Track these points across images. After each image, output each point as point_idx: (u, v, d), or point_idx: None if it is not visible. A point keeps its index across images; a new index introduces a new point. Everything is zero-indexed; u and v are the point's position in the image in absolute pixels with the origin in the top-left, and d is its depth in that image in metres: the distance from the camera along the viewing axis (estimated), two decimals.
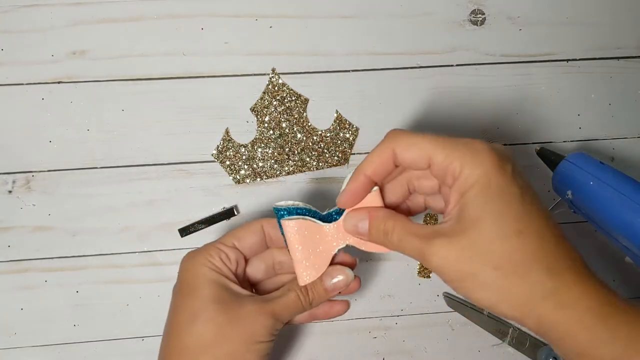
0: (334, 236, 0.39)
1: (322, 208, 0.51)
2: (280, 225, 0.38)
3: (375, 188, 0.37)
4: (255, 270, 0.42)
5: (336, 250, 0.39)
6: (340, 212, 0.39)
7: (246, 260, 0.41)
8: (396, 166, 0.36)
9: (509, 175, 0.32)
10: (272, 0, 0.50)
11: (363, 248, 0.39)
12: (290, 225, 0.38)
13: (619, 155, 0.53)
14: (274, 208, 0.38)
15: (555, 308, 0.31)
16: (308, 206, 0.39)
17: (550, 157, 0.49)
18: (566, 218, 0.53)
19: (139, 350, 0.50)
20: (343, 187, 0.37)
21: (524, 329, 0.52)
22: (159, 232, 0.50)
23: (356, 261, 0.41)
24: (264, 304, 0.38)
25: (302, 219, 0.38)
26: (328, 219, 0.39)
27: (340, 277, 0.39)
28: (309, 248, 0.39)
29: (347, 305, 0.43)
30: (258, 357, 0.37)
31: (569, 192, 0.46)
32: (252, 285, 0.43)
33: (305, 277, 0.39)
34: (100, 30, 0.49)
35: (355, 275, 0.40)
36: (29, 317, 0.49)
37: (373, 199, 0.38)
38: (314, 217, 0.38)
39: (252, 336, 0.37)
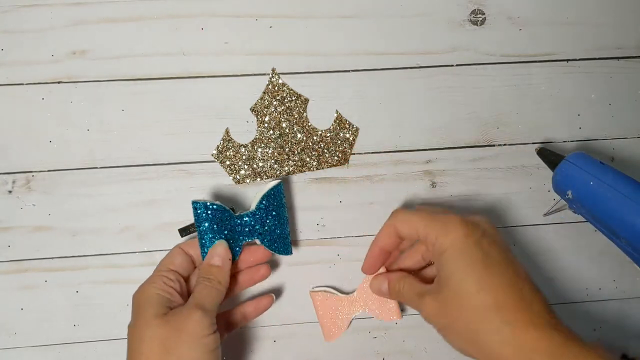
0: (349, 306, 0.50)
1: (323, 207, 0.51)
2: (197, 221, 0.44)
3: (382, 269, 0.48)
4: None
5: (352, 317, 0.50)
6: (251, 215, 0.45)
7: (187, 278, 0.45)
8: (402, 238, 0.45)
9: (473, 242, 0.40)
10: (272, 0, 0.50)
11: (376, 316, 0.49)
12: (315, 297, 0.50)
13: (619, 155, 0.53)
14: (192, 202, 0.44)
15: (514, 354, 0.37)
16: (223, 205, 0.44)
17: (550, 157, 0.49)
18: (566, 218, 0.53)
19: None
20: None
21: None
22: (159, 232, 0.50)
23: (265, 253, 0.47)
24: (187, 304, 0.42)
25: (325, 291, 0.50)
26: (239, 220, 0.45)
27: (219, 253, 0.44)
28: (330, 314, 0.50)
29: (272, 298, 0.48)
30: (206, 353, 0.40)
31: (569, 192, 0.46)
32: None
33: (329, 335, 0.50)
34: (100, 30, 0.49)
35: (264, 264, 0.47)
36: (29, 317, 0.49)
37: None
38: (228, 216, 0.45)
39: (192, 335, 0.40)
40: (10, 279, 0.49)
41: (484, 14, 0.52)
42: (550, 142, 0.52)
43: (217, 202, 0.44)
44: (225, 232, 0.45)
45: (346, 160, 0.51)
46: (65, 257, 0.49)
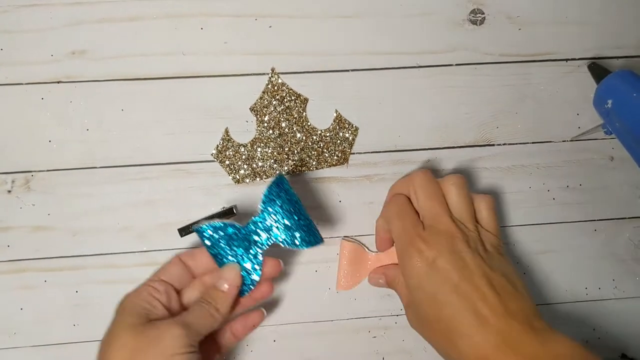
0: (370, 262, 0.50)
1: (323, 207, 0.51)
2: (204, 242, 0.43)
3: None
4: (189, 298, 0.44)
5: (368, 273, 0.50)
6: (256, 222, 0.43)
7: (179, 291, 0.44)
8: None
9: (430, 272, 0.42)
10: (272, 0, 0.50)
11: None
12: (346, 246, 0.50)
13: (618, 155, 0.53)
14: (196, 230, 0.43)
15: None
16: (229, 222, 0.43)
17: (598, 71, 0.49)
18: (566, 218, 0.53)
19: None
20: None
21: None
22: (158, 232, 0.50)
23: (280, 265, 0.45)
24: (176, 318, 0.40)
25: (357, 243, 0.50)
26: (247, 228, 0.43)
27: (228, 278, 0.43)
28: (352, 265, 0.50)
29: (262, 314, 0.46)
30: None
31: (610, 102, 0.46)
32: None
33: (341, 284, 0.50)
34: (100, 30, 0.49)
35: (267, 281, 0.45)
36: (28, 317, 0.49)
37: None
38: (237, 230, 0.43)
39: (164, 351, 0.38)
40: (9, 279, 0.49)
41: (483, 13, 0.52)
42: (550, 141, 0.52)
43: (223, 221, 0.43)
44: (241, 248, 0.43)
45: (346, 160, 0.51)
46: (64, 257, 0.49)
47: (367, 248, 0.50)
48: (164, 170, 0.49)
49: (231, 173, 0.50)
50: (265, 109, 0.50)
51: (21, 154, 0.49)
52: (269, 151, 0.50)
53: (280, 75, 0.50)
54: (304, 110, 0.50)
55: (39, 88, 0.48)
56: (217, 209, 0.50)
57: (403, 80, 0.51)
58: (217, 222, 0.43)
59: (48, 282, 0.49)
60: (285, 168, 0.50)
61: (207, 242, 0.43)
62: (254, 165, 0.50)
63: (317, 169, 0.50)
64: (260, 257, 0.44)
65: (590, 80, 0.51)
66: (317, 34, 0.50)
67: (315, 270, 0.51)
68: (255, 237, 0.43)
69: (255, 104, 0.50)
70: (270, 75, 0.50)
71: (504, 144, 0.52)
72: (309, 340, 0.51)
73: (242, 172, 0.50)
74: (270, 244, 0.43)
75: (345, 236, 0.51)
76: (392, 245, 0.48)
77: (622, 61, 0.53)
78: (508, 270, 0.42)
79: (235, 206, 0.49)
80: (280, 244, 0.43)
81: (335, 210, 0.51)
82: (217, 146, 0.50)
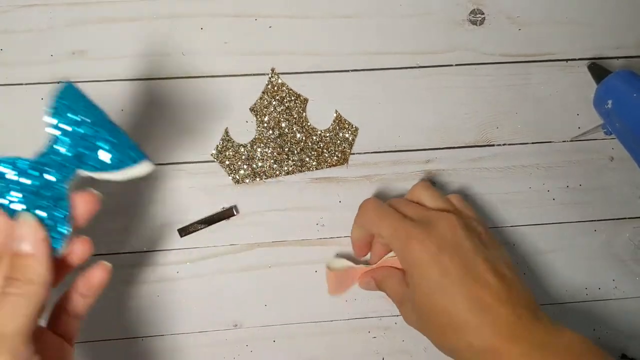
0: (360, 272, 0.49)
1: (322, 207, 0.51)
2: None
3: (391, 254, 0.47)
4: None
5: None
6: (56, 141, 0.33)
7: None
8: None
9: (433, 261, 0.40)
10: (271, 0, 0.50)
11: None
12: (331, 276, 0.49)
13: (618, 156, 0.53)
14: None
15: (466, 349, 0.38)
16: (13, 157, 0.33)
17: (598, 71, 0.49)
18: (567, 218, 0.53)
19: (138, 350, 0.50)
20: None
21: None
22: (158, 232, 0.50)
23: (95, 195, 0.35)
24: None
25: (341, 269, 0.48)
26: (44, 159, 0.33)
27: (26, 233, 0.31)
28: (341, 280, 0.49)
29: (104, 267, 0.37)
30: None
31: (610, 102, 0.46)
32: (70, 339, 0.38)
33: (334, 289, 0.50)
34: (100, 30, 0.49)
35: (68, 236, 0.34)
36: None
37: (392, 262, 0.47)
38: (17, 164, 0.32)
39: None
40: None
41: (483, 13, 0.52)
42: (550, 141, 0.52)
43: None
44: (27, 190, 0.31)
45: (345, 160, 0.51)
46: None
47: (354, 266, 0.49)
48: (164, 170, 0.49)
49: (231, 173, 0.50)
50: (265, 109, 0.50)
51: (21, 154, 0.48)
52: (269, 151, 0.50)
53: (280, 76, 0.50)
54: (304, 110, 0.50)
55: (39, 88, 0.48)
56: (217, 209, 0.50)
57: (403, 80, 0.51)
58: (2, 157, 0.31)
59: None
60: (285, 168, 0.50)
61: None
62: (254, 166, 0.50)
63: (317, 169, 0.50)
64: (65, 199, 0.32)
65: (590, 80, 0.51)
66: (317, 34, 0.50)
67: (315, 270, 0.51)
68: (55, 167, 0.32)
69: (255, 104, 0.50)
70: (270, 75, 0.50)
71: (504, 144, 0.52)
72: (309, 340, 0.51)
73: (242, 172, 0.50)
74: (73, 173, 0.33)
75: (331, 261, 0.50)
76: (369, 251, 0.49)
77: (622, 61, 0.53)
78: (505, 257, 0.42)
79: (235, 206, 0.49)
80: (85, 171, 0.33)
81: (335, 210, 0.51)
82: (217, 146, 0.50)
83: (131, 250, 0.49)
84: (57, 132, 0.32)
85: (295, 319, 0.51)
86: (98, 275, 0.37)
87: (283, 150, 0.50)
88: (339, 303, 0.51)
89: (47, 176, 0.32)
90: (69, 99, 0.32)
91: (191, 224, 0.49)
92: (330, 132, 0.50)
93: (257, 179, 0.50)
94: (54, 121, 0.32)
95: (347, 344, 0.51)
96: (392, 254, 0.46)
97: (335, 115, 0.50)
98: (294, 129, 0.50)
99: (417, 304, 0.41)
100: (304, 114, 0.50)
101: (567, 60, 0.52)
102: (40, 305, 0.31)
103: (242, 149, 0.50)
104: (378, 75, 0.51)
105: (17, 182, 0.32)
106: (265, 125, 0.50)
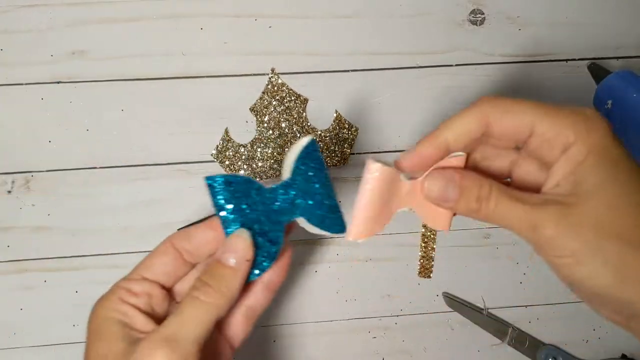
0: (403, 196, 0.32)
1: None
2: (216, 198, 0.32)
3: (461, 153, 0.31)
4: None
5: (396, 212, 0.33)
6: (287, 185, 0.33)
7: (169, 288, 0.34)
8: (481, 136, 0.31)
9: (622, 146, 0.29)
10: (271, 0, 0.50)
11: (424, 220, 0.34)
12: (377, 170, 0.30)
13: None
14: (206, 178, 0.32)
15: None
16: (248, 177, 0.33)
17: (598, 71, 0.49)
18: None
19: None
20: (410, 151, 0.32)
21: (524, 328, 0.52)
22: (158, 232, 0.49)
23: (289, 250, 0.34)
24: (151, 336, 0.29)
25: (390, 168, 0.31)
26: (271, 194, 0.33)
27: (235, 249, 0.31)
28: (381, 199, 0.31)
29: (286, 265, 0.35)
30: None
31: (609, 102, 0.46)
32: None
33: (358, 228, 0.32)
34: (100, 30, 0.49)
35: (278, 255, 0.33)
36: (28, 317, 0.49)
37: (460, 160, 0.32)
38: (257, 192, 0.32)
39: None
40: (9, 279, 0.49)
41: (483, 13, 0.52)
42: None
43: (241, 174, 0.34)
44: (255, 216, 0.32)
45: (345, 160, 0.51)
46: (64, 257, 0.49)
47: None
48: (164, 170, 0.49)
49: (231, 173, 0.50)
50: (265, 109, 0.50)
51: (21, 154, 0.49)
52: (269, 151, 0.50)
53: (280, 76, 0.50)
54: (304, 110, 0.50)
55: (39, 88, 0.48)
56: None
57: (403, 80, 0.51)
58: (239, 175, 0.32)
59: (48, 282, 0.49)
60: None
61: (220, 198, 0.31)
62: (254, 166, 0.50)
63: None
64: (281, 231, 0.33)
65: (590, 80, 0.51)
66: (317, 34, 0.50)
67: (315, 270, 0.51)
68: (279, 206, 0.33)
69: (255, 104, 0.50)
70: (270, 75, 0.50)
71: None
72: (309, 340, 0.51)
73: (242, 172, 0.50)
74: (293, 219, 0.33)
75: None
76: (435, 162, 0.32)
77: (622, 61, 0.53)
78: None
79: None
80: (301, 219, 0.33)
81: None
82: (217, 146, 0.50)
83: (132, 251, 0.49)
84: (289, 176, 0.33)
85: (295, 319, 0.51)
86: (281, 275, 0.35)
87: (283, 150, 0.50)
88: (338, 303, 0.51)
89: (274, 208, 0.33)
90: (308, 152, 0.33)
91: (191, 224, 0.49)
92: (330, 132, 0.50)
93: (257, 179, 0.50)
94: (292, 166, 0.33)
95: (347, 344, 0.51)
96: (458, 153, 0.32)
97: (335, 115, 0.50)
98: (294, 129, 0.50)
99: (583, 199, 0.29)
100: (304, 113, 0.50)
101: (567, 60, 0.52)
102: (219, 319, 0.30)
103: (242, 149, 0.50)
104: (378, 75, 0.51)
105: (254, 200, 0.32)
106: (265, 125, 0.50)
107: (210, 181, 0.31)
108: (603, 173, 0.29)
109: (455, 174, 0.31)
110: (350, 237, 0.32)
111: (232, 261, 0.31)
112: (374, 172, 0.30)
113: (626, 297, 0.28)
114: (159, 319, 0.31)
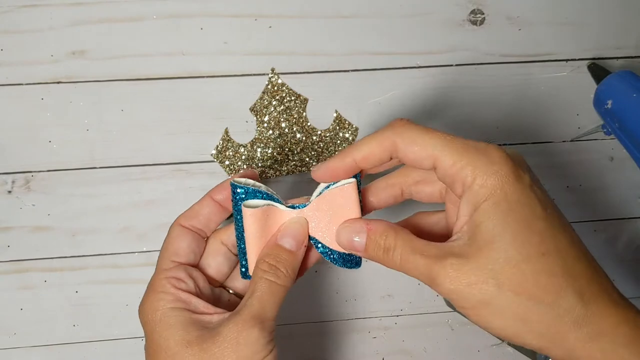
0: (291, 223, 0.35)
1: None
2: (235, 205, 0.33)
3: (351, 180, 0.34)
4: (215, 268, 0.36)
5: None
6: (297, 207, 0.35)
7: (195, 265, 0.36)
8: (390, 159, 0.32)
9: (527, 187, 0.29)
10: (271, 0, 0.50)
11: (331, 247, 0.35)
12: (249, 213, 0.33)
13: (618, 156, 0.53)
14: (231, 183, 0.34)
15: (588, 339, 0.28)
16: (271, 192, 0.34)
17: (598, 71, 0.49)
18: (568, 217, 0.52)
19: (138, 350, 0.50)
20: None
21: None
22: (158, 232, 0.50)
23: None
24: (239, 317, 0.31)
25: (267, 205, 0.34)
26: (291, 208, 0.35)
27: (293, 233, 0.33)
28: (264, 237, 0.34)
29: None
30: None
31: (609, 102, 0.46)
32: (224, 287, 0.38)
33: (251, 267, 0.34)
34: (100, 30, 0.49)
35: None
36: (28, 317, 0.49)
37: (347, 190, 0.34)
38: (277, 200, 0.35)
39: None
40: (9, 279, 0.49)
41: (483, 13, 0.52)
42: (550, 141, 0.52)
43: (261, 186, 0.34)
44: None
45: None
46: (64, 257, 0.49)
47: (280, 206, 0.35)
48: (164, 170, 0.49)
49: (231, 173, 0.50)
50: (265, 109, 0.50)
51: (21, 154, 0.49)
52: (269, 151, 0.50)
53: (280, 76, 0.50)
54: (304, 110, 0.50)
55: (39, 88, 0.48)
56: None
57: (403, 80, 0.51)
58: (262, 189, 0.34)
59: (48, 282, 0.49)
60: (285, 168, 0.50)
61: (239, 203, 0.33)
62: (254, 166, 0.50)
63: None
64: None
65: (590, 80, 0.51)
66: (317, 34, 0.50)
67: (315, 270, 0.51)
68: None
69: (255, 104, 0.50)
70: (270, 75, 0.50)
71: (504, 144, 0.52)
72: (309, 340, 0.51)
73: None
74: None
75: (235, 179, 0.36)
76: (347, 176, 0.34)
77: (622, 61, 0.53)
78: None
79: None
80: (319, 245, 0.35)
81: None
82: (217, 146, 0.50)
83: (132, 251, 0.49)
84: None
85: (295, 319, 0.51)
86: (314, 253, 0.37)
87: (283, 150, 0.50)
88: (339, 303, 0.51)
89: None
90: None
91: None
92: (330, 132, 0.50)
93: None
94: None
95: (347, 344, 0.51)
96: (348, 180, 0.34)
97: (335, 115, 0.50)
98: (294, 129, 0.50)
99: (481, 246, 0.29)
100: (304, 114, 0.50)
101: (567, 60, 0.52)
102: (283, 298, 0.33)
103: (242, 149, 0.50)
104: (378, 76, 0.51)
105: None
106: (265, 125, 0.50)
107: (237, 186, 0.34)
108: (498, 219, 0.28)
109: (364, 225, 0.32)
110: (250, 272, 0.34)
111: (290, 245, 0.33)
112: (248, 217, 0.33)
113: (532, 345, 0.29)
114: (208, 299, 0.33)
